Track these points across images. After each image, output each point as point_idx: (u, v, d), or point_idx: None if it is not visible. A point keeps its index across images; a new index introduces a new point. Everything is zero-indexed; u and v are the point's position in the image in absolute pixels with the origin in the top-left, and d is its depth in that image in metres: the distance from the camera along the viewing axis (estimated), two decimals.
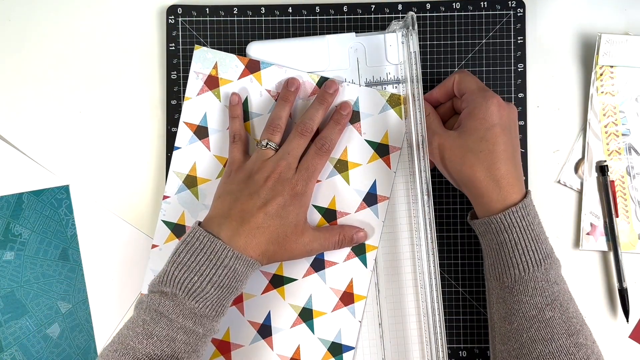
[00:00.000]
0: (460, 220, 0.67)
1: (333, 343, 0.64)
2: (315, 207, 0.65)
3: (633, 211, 0.66)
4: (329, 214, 0.65)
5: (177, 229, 0.66)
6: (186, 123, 0.66)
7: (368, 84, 0.65)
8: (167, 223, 0.66)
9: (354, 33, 0.65)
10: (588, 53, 0.68)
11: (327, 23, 0.68)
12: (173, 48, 0.68)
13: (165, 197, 0.66)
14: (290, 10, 0.68)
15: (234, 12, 0.68)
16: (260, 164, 0.60)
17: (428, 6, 0.67)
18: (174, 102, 0.68)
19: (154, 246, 0.66)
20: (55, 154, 0.69)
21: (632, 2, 0.68)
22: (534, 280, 0.56)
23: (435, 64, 0.67)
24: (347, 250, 0.65)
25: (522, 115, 0.67)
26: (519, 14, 0.67)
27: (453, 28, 0.67)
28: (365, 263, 0.65)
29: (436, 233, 0.61)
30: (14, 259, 0.69)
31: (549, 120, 0.68)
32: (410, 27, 0.61)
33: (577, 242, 0.68)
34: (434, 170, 0.65)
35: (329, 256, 0.65)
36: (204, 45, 0.68)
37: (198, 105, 0.66)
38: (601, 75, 0.67)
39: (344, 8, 0.68)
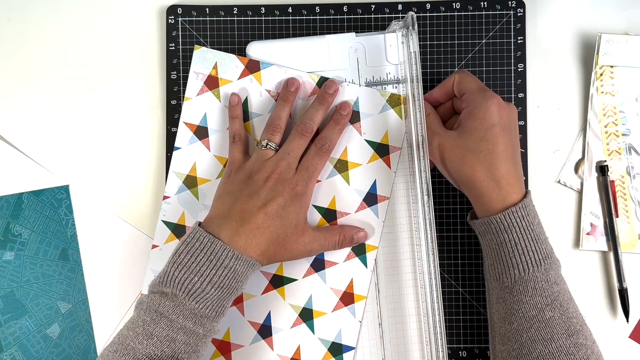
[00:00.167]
0: (460, 220, 0.67)
1: (333, 343, 0.64)
2: (315, 207, 0.65)
3: (633, 211, 0.66)
4: (329, 214, 0.65)
5: (177, 229, 0.66)
6: (186, 123, 0.66)
7: (368, 84, 0.65)
8: (167, 223, 0.66)
9: (354, 33, 0.65)
10: (588, 53, 0.68)
11: (327, 23, 0.68)
12: (173, 48, 0.68)
13: (165, 198, 0.66)
14: (290, 10, 0.68)
15: (234, 12, 0.68)
16: (260, 164, 0.60)
17: (428, 6, 0.67)
18: (174, 102, 0.68)
19: (154, 246, 0.66)
20: (55, 154, 0.69)
21: (632, 2, 0.68)
22: (534, 281, 0.56)
23: (435, 64, 0.67)
24: (347, 250, 0.65)
25: (522, 115, 0.67)
26: (519, 14, 0.67)
27: (453, 28, 0.67)
28: (365, 263, 0.65)
29: (436, 233, 0.61)
30: (14, 259, 0.69)
31: (549, 120, 0.68)
32: (410, 27, 0.61)
33: (577, 242, 0.68)
34: (434, 170, 0.65)
35: (329, 256, 0.65)
36: (204, 45, 0.68)
37: (198, 105, 0.66)
38: (601, 75, 0.67)
39: (344, 8, 0.68)
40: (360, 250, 0.65)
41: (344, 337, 0.64)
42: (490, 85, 0.67)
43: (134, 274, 0.68)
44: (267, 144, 0.62)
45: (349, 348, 0.65)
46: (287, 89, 0.64)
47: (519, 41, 0.67)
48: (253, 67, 0.66)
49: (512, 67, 0.67)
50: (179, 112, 0.67)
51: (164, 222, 0.66)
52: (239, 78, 0.66)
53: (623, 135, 0.67)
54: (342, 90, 0.65)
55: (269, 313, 0.65)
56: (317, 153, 0.62)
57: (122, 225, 0.69)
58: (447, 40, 0.67)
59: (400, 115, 0.65)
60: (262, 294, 0.65)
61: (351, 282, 0.65)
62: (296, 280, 0.65)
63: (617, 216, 0.66)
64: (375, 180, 0.65)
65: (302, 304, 0.65)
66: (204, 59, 0.66)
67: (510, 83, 0.67)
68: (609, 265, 0.67)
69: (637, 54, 0.66)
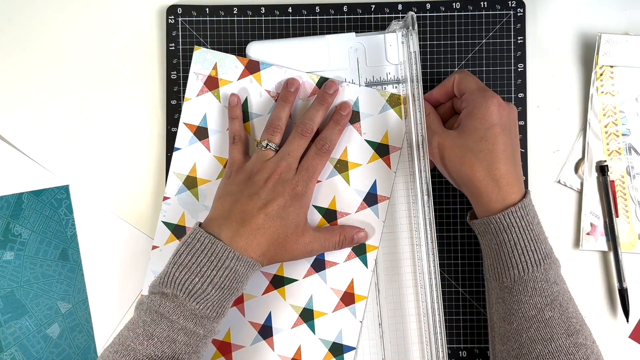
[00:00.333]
0: (460, 220, 0.67)
1: (334, 343, 0.65)
2: (316, 207, 0.65)
3: (633, 211, 0.66)
4: (329, 214, 0.65)
5: (177, 230, 0.66)
6: (186, 124, 0.66)
7: (368, 84, 0.65)
8: (167, 224, 0.66)
9: (354, 33, 0.65)
10: (588, 53, 0.68)
11: (327, 23, 0.68)
12: (173, 48, 0.68)
13: (165, 198, 0.66)
14: (290, 10, 0.68)
15: (234, 12, 0.68)
16: (260, 165, 0.60)
17: (428, 6, 0.67)
18: (174, 102, 0.68)
19: (154, 247, 0.66)
20: (55, 154, 0.69)
21: (632, 2, 0.68)
22: (533, 281, 0.56)
23: (435, 64, 0.67)
24: (347, 250, 0.65)
25: (522, 115, 0.67)
26: (519, 14, 0.67)
27: (453, 28, 0.67)
28: (365, 263, 0.65)
29: (436, 233, 0.61)
30: (14, 259, 0.69)
31: (549, 120, 0.68)
32: (410, 27, 0.61)
33: (577, 242, 0.68)
34: (433, 170, 0.65)
35: (329, 256, 0.65)
36: (204, 45, 0.68)
37: (198, 106, 0.66)
38: (601, 75, 0.67)
39: (344, 8, 0.68)
40: (360, 251, 0.65)
41: (344, 337, 0.65)
42: (490, 85, 0.67)
43: (134, 274, 0.68)
44: (267, 144, 0.62)
45: (350, 348, 0.65)
46: (287, 90, 0.64)
47: (519, 41, 0.67)
48: (253, 67, 0.66)
49: (512, 67, 0.67)
50: (179, 112, 0.67)
51: (164, 222, 0.66)
52: (239, 78, 0.66)
53: (623, 135, 0.67)
54: (342, 90, 0.65)
55: (270, 313, 0.65)
56: (317, 153, 0.62)
57: (122, 225, 0.69)
58: (447, 40, 0.67)
59: (400, 115, 0.65)
60: (263, 294, 0.65)
61: (352, 282, 0.65)
62: (297, 280, 0.65)
63: (617, 216, 0.66)
64: (375, 181, 0.65)
65: (302, 304, 0.65)
66: (204, 60, 0.66)
67: (510, 83, 0.67)
68: (609, 265, 0.67)
69: (637, 54, 0.66)
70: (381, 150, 0.65)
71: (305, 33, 0.68)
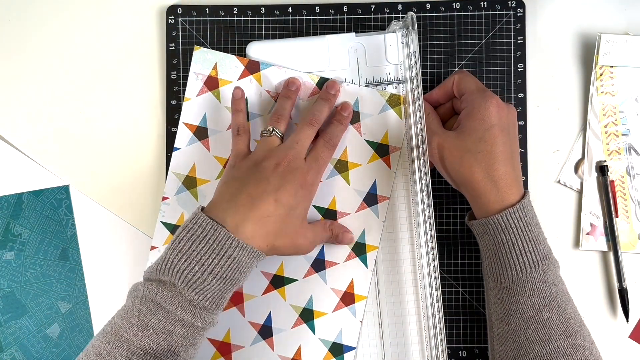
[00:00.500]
0: (460, 220, 0.67)
1: (334, 343, 0.65)
2: (316, 207, 0.65)
3: (633, 211, 0.66)
4: (329, 214, 0.65)
5: (176, 231, 0.66)
6: (186, 124, 0.66)
7: (368, 84, 0.65)
8: (166, 224, 0.66)
9: (354, 33, 0.65)
10: (588, 53, 0.68)
11: (327, 23, 0.68)
12: (173, 48, 0.68)
13: (164, 198, 0.66)
14: (290, 10, 0.68)
15: (234, 12, 0.68)
16: (267, 152, 0.58)
17: (428, 6, 0.67)
18: (173, 102, 0.68)
19: (152, 248, 0.66)
20: (55, 154, 0.69)
21: (632, 2, 0.68)
22: (532, 281, 0.56)
23: (435, 64, 0.67)
24: (347, 250, 0.65)
25: (522, 115, 0.67)
26: (519, 14, 0.67)
27: (453, 28, 0.67)
28: (365, 263, 0.65)
29: (436, 233, 0.61)
30: (14, 259, 0.69)
31: (549, 120, 0.68)
32: (410, 27, 0.61)
33: (577, 242, 0.68)
34: (433, 170, 0.65)
35: (329, 256, 0.65)
36: (204, 45, 0.68)
37: (198, 106, 0.66)
38: (601, 75, 0.67)
39: (344, 8, 0.68)
40: (360, 251, 0.65)
41: (344, 337, 0.65)
42: (490, 85, 0.67)
43: (134, 274, 0.68)
44: (273, 130, 0.60)
45: (350, 348, 0.65)
46: (288, 88, 0.64)
47: (519, 41, 0.67)
48: (253, 67, 0.66)
49: (512, 67, 0.67)
50: (179, 112, 0.67)
51: (162, 223, 0.66)
52: (239, 79, 0.66)
53: (623, 135, 0.67)
54: (342, 90, 0.65)
55: (270, 314, 0.65)
56: (325, 146, 0.61)
57: (122, 225, 0.69)
58: (447, 40, 0.67)
59: (400, 116, 0.65)
60: (263, 294, 0.65)
61: (352, 282, 0.65)
62: (297, 280, 0.65)
63: (617, 216, 0.66)
64: (375, 181, 0.65)
65: (302, 304, 0.65)
66: (204, 60, 0.66)
67: (510, 83, 0.67)
68: (609, 265, 0.67)
69: (637, 54, 0.66)
70: (381, 150, 0.65)
71: (305, 33, 0.68)
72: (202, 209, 0.55)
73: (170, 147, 0.67)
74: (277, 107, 0.63)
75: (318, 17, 0.68)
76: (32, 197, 0.69)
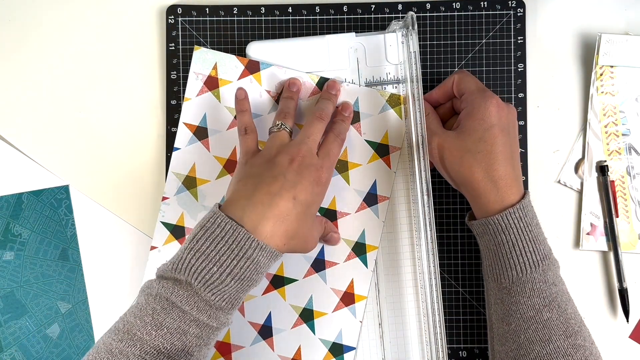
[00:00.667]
0: (460, 220, 0.67)
1: (334, 343, 0.64)
2: None
3: (633, 211, 0.66)
4: (330, 214, 0.65)
5: (176, 231, 0.66)
6: (186, 124, 0.66)
7: (368, 84, 0.65)
8: (166, 224, 0.66)
9: (354, 33, 0.65)
10: (588, 53, 0.68)
11: (327, 23, 0.68)
12: (173, 48, 0.68)
13: (164, 198, 0.66)
14: (290, 10, 0.68)
15: (234, 12, 0.68)
16: (280, 147, 0.58)
17: (428, 6, 0.67)
18: (173, 102, 0.68)
19: (152, 248, 0.66)
20: (55, 154, 0.69)
21: (632, 2, 0.68)
22: (532, 282, 0.56)
23: (435, 64, 0.67)
24: (347, 250, 0.65)
25: (522, 115, 0.67)
26: (519, 14, 0.67)
27: (453, 28, 0.67)
28: (365, 263, 0.65)
29: (436, 233, 0.61)
30: (14, 259, 0.69)
31: (549, 120, 0.68)
32: (410, 27, 0.60)
33: (577, 242, 0.68)
34: (433, 170, 0.65)
35: (329, 256, 0.65)
36: (204, 45, 0.68)
37: (198, 106, 0.66)
38: (601, 75, 0.67)
39: (344, 8, 0.68)
40: (360, 251, 0.65)
41: (344, 337, 0.65)
42: (490, 85, 0.67)
43: (134, 274, 0.68)
44: (282, 124, 0.60)
45: (350, 348, 0.65)
46: (289, 89, 0.64)
47: (519, 41, 0.67)
48: (253, 67, 0.66)
49: (512, 67, 0.67)
50: (179, 112, 0.67)
51: (162, 223, 0.66)
52: (239, 79, 0.66)
53: (623, 135, 0.67)
54: (342, 90, 0.65)
55: (270, 314, 0.65)
56: (335, 140, 0.61)
57: (122, 225, 0.69)
58: (447, 40, 0.67)
59: (400, 115, 0.65)
60: (263, 294, 0.65)
61: (352, 282, 0.65)
62: (297, 280, 0.65)
63: (617, 216, 0.66)
64: (375, 181, 0.65)
65: (302, 304, 0.65)
66: (204, 60, 0.66)
67: (510, 83, 0.67)
68: (609, 265, 0.67)
69: (637, 54, 0.66)
70: (381, 150, 0.65)
71: (305, 33, 0.68)
72: (219, 206, 0.54)
73: (170, 147, 0.67)
74: (282, 107, 0.63)
75: (318, 17, 0.68)
76: (32, 197, 0.69)
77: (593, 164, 0.67)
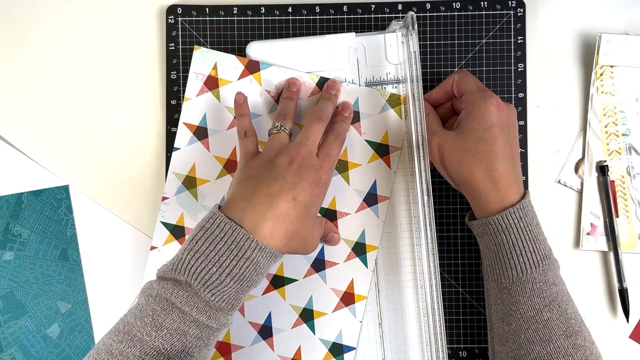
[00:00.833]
0: (460, 220, 0.67)
1: (334, 343, 0.64)
2: None
3: (633, 211, 0.66)
4: (330, 215, 0.65)
5: (176, 231, 0.66)
6: (185, 124, 0.66)
7: (368, 84, 0.65)
8: (166, 224, 0.66)
9: (354, 33, 0.65)
10: (588, 53, 0.68)
11: (327, 23, 0.68)
12: (173, 48, 0.68)
13: (164, 199, 0.66)
14: (290, 10, 0.68)
15: (234, 12, 0.68)
16: (279, 149, 0.58)
17: (428, 6, 0.67)
18: (173, 102, 0.68)
19: (152, 248, 0.66)
20: (55, 154, 0.69)
21: (632, 2, 0.68)
22: (532, 282, 0.56)
23: (435, 64, 0.67)
24: (347, 250, 0.65)
25: (522, 115, 0.67)
26: (519, 14, 0.67)
27: (453, 28, 0.67)
28: (365, 263, 0.65)
29: (436, 233, 0.61)
30: (14, 259, 0.69)
31: (549, 120, 0.68)
32: (410, 27, 0.60)
33: (577, 242, 0.68)
34: (433, 170, 0.65)
35: (329, 256, 0.65)
36: (204, 45, 0.68)
37: (198, 106, 0.66)
38: (601, 75, 0.67)
39: (344, 8, 0.68)
40: (360, 251, 0.65)
41: (344, 337, 0.65)
42: (490, 85, 0.67)
43: (134, 274, 0.68)
44: (281, 126, 0.60)
45: (350, 348, 0.65)
46: (289, 89, 0.64)
47: (519, 41, 0.67)
48: (253, 67, 0.66)
49: (512, 67, 0.67)
50: (179, 112, 0.67)
51: (162, 223, 0.66)
52: (239, 78, 0.66)
53: (623, 135, 0.67)
54: (342, 90, 0.65)
55: (270, 314, 0.65)
56: (335, 141, 0.61)
57: (122, 225, 0.69)
58: (447, 40, 0.67)
59: (400, 115, 0.65)
60: (263, 294, 0.65)
61: (352, 282, 0.65)
62: (297, 280, 0.65)
63: (617, 216, 0.66)
64: (375, 181, 0.65)
65: (302, 304, 0.65)
66: (204, 60, 0.66)
67: (510, 83, 0.67)
68: (609, 265, 0.67)
69: (637, 54, 0.66)
70: (381, 150, 0.65)
71: (305, 33, 0.68)
72: (219, 207, 0.54)
73: (170, 147, 0.67)
74: (281, 107, 0.63)
75: (318, 17, 0.68)
76: (32, 197, 0.69)
77: (593, 164, 0.67)
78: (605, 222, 0.67)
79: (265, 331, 0.65)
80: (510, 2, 0.67)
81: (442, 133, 0.61)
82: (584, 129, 0.67)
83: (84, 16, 0.69)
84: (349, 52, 0.65)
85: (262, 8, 0.68)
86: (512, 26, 0.67)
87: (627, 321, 0.66)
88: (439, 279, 0.58)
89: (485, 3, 0.67)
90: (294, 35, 0.68)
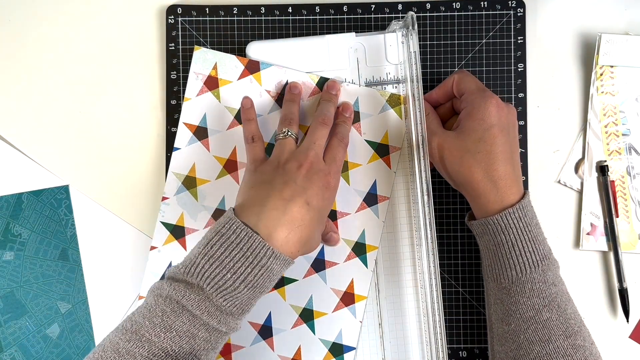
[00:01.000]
0: (460, 220, 0.67)
1: (334, 343, 0.64)
2: None
3: (633, 211, 0.66)
4: (330, 214, 0.65)
5: (176, 231, 0.66)
6: (185, 124, 0.66)
7: (368, 84, 0.65)
8: (165, 224, 0.66)
9: (354, 33, 0.65)
10: (588, 53, 0.68)
11: (327, 23, 0.68)
12: (173, 48, 0.68)
13: (164, 199, 0.66)
14: (290, 10, 0.68)
15: (234, 12, 0.68)
16: (288, 154, 0.58)
17: (428, 6, 0.67)
18: (173, 102, 0.68)
19: (152, 248, 0.66)
20: (55, 154, 0.69)
21: (632, 2, 0.68)
22: (531, 282, 0.56)
23: (435, 64, 0.67)
24: (347, 250, 0.65)
25: (522, 115, 0.67)
26: (519, 14, 0.67)
27: (453, 28, 0.67)
28: (365, 263, 0.65)
29: (436, 233, 0.61)
30: (14, 259, 0.69)
31: (549, 120, 0.68)
32: (410, 27, 0.60)
33: (577, 242, 0.68)
34: (433, 170, 0.65)
35: (329, 256, 0.65)
36: (204, 45, 0.68)
37: (198, 106, 0.66)
38: (601, 75, 0.67)
39: (344, 8, 0.68)
40: (360, 251, 0.65)
41: (344, 337, 0.65)
42: (490, 85, 0.67)
43: (134, 274, 0.68)
44: (288, 132, 0.60)
45: (350, 348, 0.65)
46: (291, 92, 0.64)
47: (519, 41, 0.67)
48: (253, 67, 0.66)
49: (512, 67, 0.67)
50: (179, 112, 0.67)
51: (162, 223, 0.66)
52: (239, 78, 0.66)
53: (623, 135, 0.67)
54: (342, 90, 0.65)
55: (270, 314, 0.65)
56: (339, 145, 0.61)
57: (122, 225, 0.69)
58: (447, 40, 0.67)
59: (400, 115, 0.65)
60: None
61: (352, 282, 0.65)
62: (297, 280, 0.65)
63: (617, 216, 0.66)
64: (375, 181, 0.65)
65: (302, 304, 0.65)
66: (204, 60, 0.66)
67: (510, 83, 0.67)
68: (609, 265, 0.67)
69: (637, 54, 0.66)
70: (381, 150, 0.65)
71: (305, 33, 0.68)
72: (234, 210, 0.54)
73: (170, 147, 0.67)
74: (285, 111, 0.63)
75: (318, 17, 0.68)
76: (32, 197, 0.69)
77: (593, 164, 0.67)
78: (605, 222, 0.67)
79: (265, 331, 0.65)
80: (510, 2, 0.67)
81: (442, 133, 0.61)
82: (584, 129, 0.67)
83: (84, 16, 0.69)
84: (349, 52, 0.65)
85: (262, 8, 0.68)
86: (512, 26, 0.67)
87: (627, 321, 0.66)
88: (439, 279, 0.58)
89: (485, 3, 0.67)
90: (294, 35, 0.68)
